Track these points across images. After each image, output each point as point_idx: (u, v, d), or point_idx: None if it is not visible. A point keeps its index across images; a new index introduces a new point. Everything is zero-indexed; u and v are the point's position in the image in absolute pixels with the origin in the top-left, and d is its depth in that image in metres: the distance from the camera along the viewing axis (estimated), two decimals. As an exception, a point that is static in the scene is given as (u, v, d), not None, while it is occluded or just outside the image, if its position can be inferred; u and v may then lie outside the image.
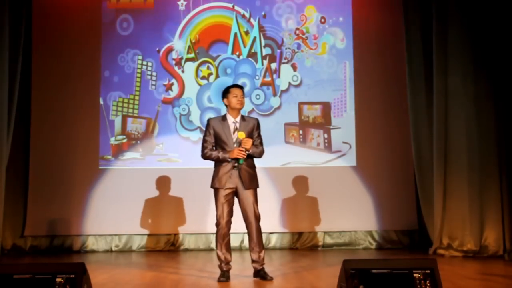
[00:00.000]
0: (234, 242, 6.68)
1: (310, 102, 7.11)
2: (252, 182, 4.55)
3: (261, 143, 4.67)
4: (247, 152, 4.49)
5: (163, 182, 6.90)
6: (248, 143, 4.47)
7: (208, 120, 4.68)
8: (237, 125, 4.59)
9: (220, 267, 4.57)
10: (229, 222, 4.54)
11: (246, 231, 4.58)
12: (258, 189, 4.64)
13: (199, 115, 7.05)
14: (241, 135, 4.49)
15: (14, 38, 6.42)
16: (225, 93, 4.65)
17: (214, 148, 4.61)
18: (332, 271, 4.74)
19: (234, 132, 4.56)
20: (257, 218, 4.55)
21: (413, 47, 6.68)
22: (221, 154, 4.52)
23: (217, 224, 4.54)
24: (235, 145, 4.53)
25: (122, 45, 7.07)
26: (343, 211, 6.93)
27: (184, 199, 6.91)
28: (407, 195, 6.95)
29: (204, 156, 4.62)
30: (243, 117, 4.66)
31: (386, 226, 6.94)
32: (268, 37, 7.16)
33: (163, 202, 6.91)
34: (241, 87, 4.66)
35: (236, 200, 4.62)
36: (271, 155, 6.75)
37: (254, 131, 4.62)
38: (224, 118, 4.64)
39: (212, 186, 4.58)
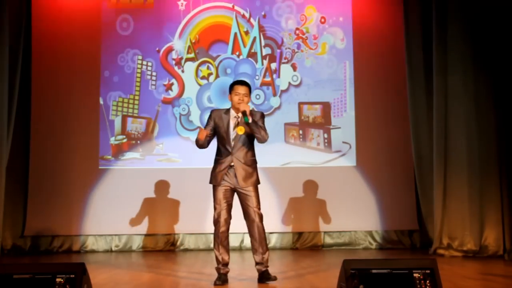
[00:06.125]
0: (234, 242, 6.70)
1: (310, 102, 7.11)
2: (248, 179, 4.35)
3: (265, 130, 4.38)
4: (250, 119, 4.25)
5: (163, 182, 6.90)
6: (246, 108, 4.25)
7: (211, 112, 4.52)
8: (239, 120, 4.37)
9: (217, 269, 4.39)
10: (227, 221, 4.37)
11: (246, 231, 4.43)
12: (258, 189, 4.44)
13: (199, 115, 7.05)
14: (240, 130, 4.29)
15: (14, 38, 6.43)
16: (230, 88, 4.46)
17: (210, 139, 4.44)
18: (332, 271, 4.75)
19: (234, 129, 4.36)
20: (259, 216, 4.37)
21: (413, 47, 6.70)
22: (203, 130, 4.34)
23: (215, 223, 4.38)
24: (232, 142, 4.36)
25: (122, 45, 7.07)
26: (343, 211, 6.93)
27: (184, 199, 6.90)
28: (407, 195, 6.95)
29: (197, 144, 4.44)
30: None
31: (386, 226, 6.94)
32: (268, 37, 7.16)
33: (163, 202, 6.90)
34: (245, 84, 4.43)
35: (237, 199, 4.43)
36: (271, 155, 6.79)
37: (257, 121, 4.38)
38: (227, 111, 4.46)
39: (210, 183, 4.44)
